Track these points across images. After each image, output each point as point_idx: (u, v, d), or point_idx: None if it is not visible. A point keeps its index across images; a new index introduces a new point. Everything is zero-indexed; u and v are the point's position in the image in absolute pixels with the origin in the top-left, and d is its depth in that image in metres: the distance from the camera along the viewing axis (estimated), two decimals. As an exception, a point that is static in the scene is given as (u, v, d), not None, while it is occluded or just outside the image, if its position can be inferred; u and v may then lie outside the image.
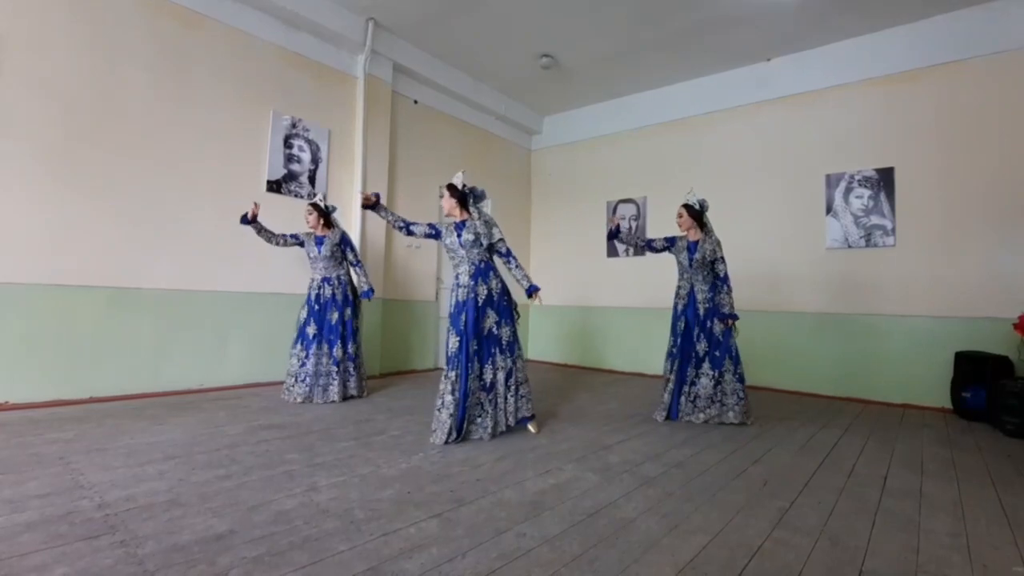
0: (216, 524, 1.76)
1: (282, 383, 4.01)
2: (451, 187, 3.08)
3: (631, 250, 6.40)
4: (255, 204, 3.83)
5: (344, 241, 4.07)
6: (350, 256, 4.08)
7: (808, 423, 3.71)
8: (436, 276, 6.06)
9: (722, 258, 3.62)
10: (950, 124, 4.49)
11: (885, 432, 3.52)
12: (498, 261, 3.20)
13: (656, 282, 5.94)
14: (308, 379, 3.84)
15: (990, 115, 4.33)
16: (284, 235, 3.98)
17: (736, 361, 3.58)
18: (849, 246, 4.91)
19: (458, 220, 3.10)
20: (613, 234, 3.83)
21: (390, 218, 3.20)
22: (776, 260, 5.26)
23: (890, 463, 2.78)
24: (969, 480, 2.53)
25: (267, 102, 4.52)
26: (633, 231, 6.37)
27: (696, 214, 3.66)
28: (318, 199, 4.04)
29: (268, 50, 4.55)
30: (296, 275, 4.60)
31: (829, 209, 5.03)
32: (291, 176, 4.69)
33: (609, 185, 6.67)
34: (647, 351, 5.94)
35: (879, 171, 4.77)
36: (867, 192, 4.83)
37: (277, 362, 4.40)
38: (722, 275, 3.61)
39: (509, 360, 3.07)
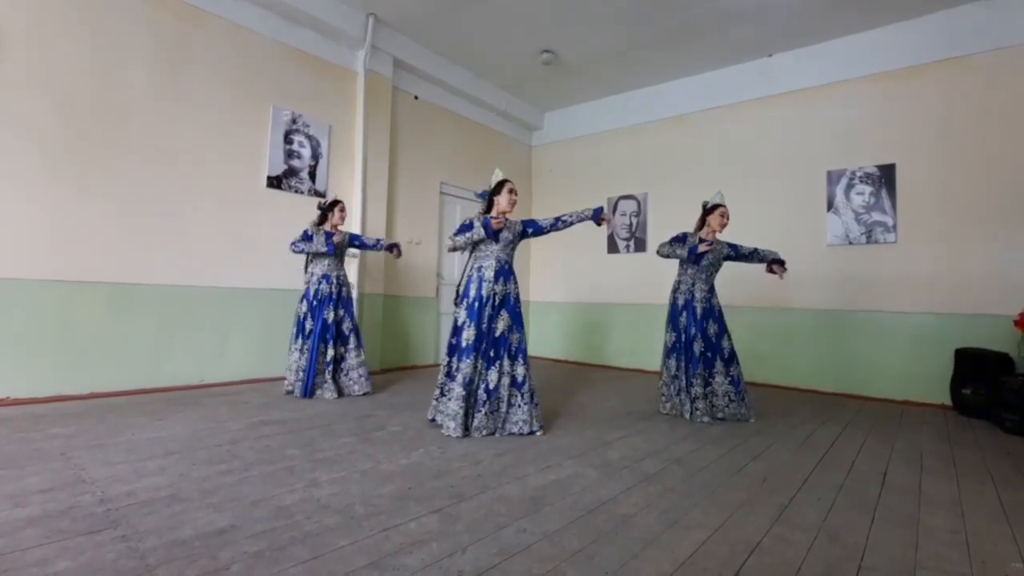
0: (217, 519, 1.76)
1: (282, 379, 4.01)
2: (514, 188, 3.22)
3: (632, 246, 6.40)
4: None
5: (352, 237, 4.22)
6: (364, 240, 4.22)
7: (808, 420, 3.71)
8: (436, 272, 6.06)
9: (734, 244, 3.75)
10: (951, 120, 4.48)
11: (885, 429, 3.52)
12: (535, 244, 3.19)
13: (656, 279, 5.93)
14: (304, 374, 3.84)
15: (991, 111, 4.31)
16: (311, 245, 3.97)
17: (728, 363, 3.61)
18: (850, 243, 4.90)
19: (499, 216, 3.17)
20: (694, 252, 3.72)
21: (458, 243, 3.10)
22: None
23: (889, 460, 2.78)
24: (968, 477, 2.53)
25: (267, 98, 4.51)
26: (634, 228, 6.38)
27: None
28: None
29: (268, 45, 4.54)
30: (296, 272, 4.59)
31: (830, 206, 5.02)
32: (291, 172, 4.68)
33: (610, 181, 6.66)
34: (647, 348, 5.94)
35: (880, 167, 4.76)
36: (868, 188, 4.82)
37: (277, 358, 4.41)
38: (748, 251, 3.72)
39: (521, 367, 3.07)
